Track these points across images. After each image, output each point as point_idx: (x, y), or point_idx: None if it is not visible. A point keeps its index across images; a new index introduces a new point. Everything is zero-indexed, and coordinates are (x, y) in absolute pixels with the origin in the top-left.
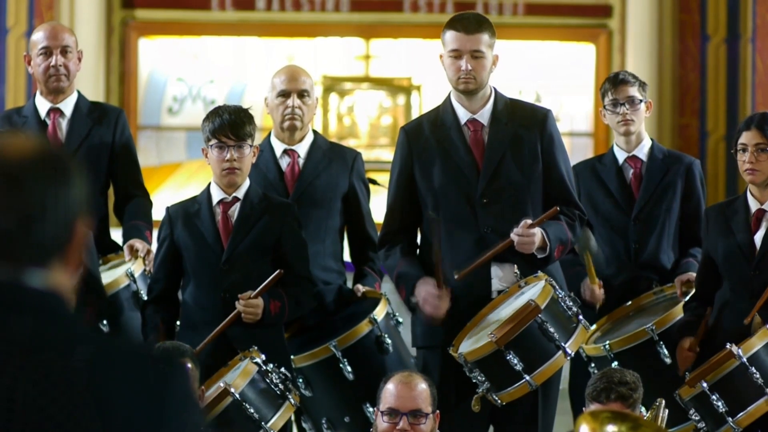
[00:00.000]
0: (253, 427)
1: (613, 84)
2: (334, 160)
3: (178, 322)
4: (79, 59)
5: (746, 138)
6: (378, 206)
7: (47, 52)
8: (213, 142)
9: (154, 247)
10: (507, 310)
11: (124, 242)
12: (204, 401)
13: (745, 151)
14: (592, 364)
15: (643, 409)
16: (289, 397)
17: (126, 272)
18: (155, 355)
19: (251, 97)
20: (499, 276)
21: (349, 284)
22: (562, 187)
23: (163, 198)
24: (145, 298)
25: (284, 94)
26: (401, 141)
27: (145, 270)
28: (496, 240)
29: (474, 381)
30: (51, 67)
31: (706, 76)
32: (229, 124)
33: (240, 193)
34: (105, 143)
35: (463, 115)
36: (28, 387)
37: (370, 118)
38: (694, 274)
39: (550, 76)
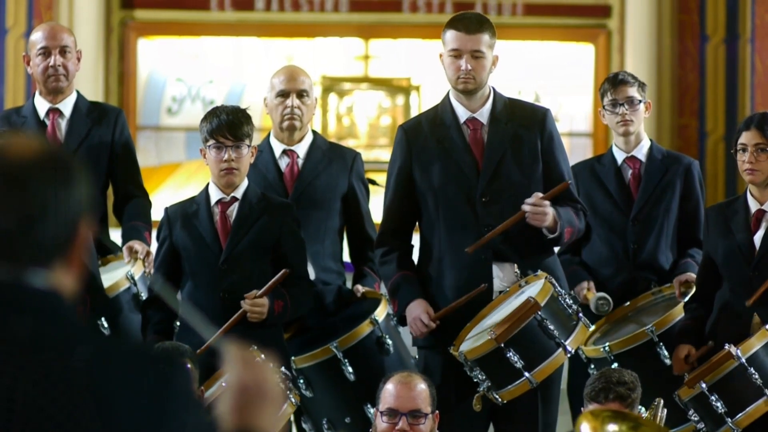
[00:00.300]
0: None
1: (612, 84)
2: (334, 160)
3: (177, 323)
4: (78, 59)
5: (746, 138)
6: (377, 206)
7: (46, 52)
8: (211, 142)
9: (153, 247)
10: (507, 309)
11: (123, 243)
12: (204, 402)
13: (745, 151)
14: (592, 366)
15: (642, 408)
16: (290, 397)
17: (126, 275)
18: (155, 355)
19: (250, 98)
20: (500, 276)
21: (349, 284)
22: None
23: (162, 198)
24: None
25: (283, 94)
26: (400, 139)
27: (144, 272)
28: (495, 239)
29: (475, 380)
30: (50, 67)
31: (705, 76)
32: (226, 125)
33: (238, 193)
34: (104, 143)
35: (462, 113)
36: (28, 387)
37: (370, 119)
38: (693, 275)
39: (549, 76)
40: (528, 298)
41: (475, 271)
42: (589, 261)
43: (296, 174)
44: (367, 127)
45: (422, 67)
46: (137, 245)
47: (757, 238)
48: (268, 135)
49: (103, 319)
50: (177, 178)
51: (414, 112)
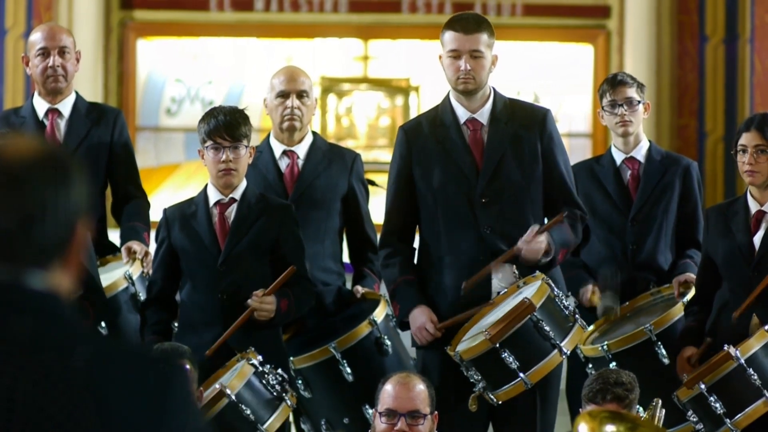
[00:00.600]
0: (249, 428)
1: (611, 85)
2: (334, 161)
3: (175, 323)
4: (77, 60)
5: (746, 139)
6: (377, 207)
7: (45, 53)
8: (209, 143)
9: (152, 248)
10: (504, 309)
11: (121, 244)
12: (201, 402)
13: (745, 152)
14: (590, 365)
15: (640, 409)
16: (286, 398)
17: (124, 274)
18: (154, 355)
19: (250, 98)
20: (499, 277)
21: (348, 285)
22: (563, 186)
23: (161, 199)
24: (144, 299)
25: (283, 95)
26: (400, 140)
27: (143, 272)
28: (495, 239)
29: (471, 380)
30: (49, 68)
31: (705, 76)
32: (224, 125)
33: (237, 194)
34: (103, 144)
35: (462, 114)
36: (28, 387)
37: (369, 119)
38: (692, 275)
39: (549, 76)
40: (523, 299)
41: (474, 272)
42: (588, 261)
43: (296, 175)
44: (367, 128)
45: (421, 68)
46: (136, 245)
47: (757, 238)
48: (268, 136)
49: (102, 320)
50: (176, 178)
51: (413, 113)
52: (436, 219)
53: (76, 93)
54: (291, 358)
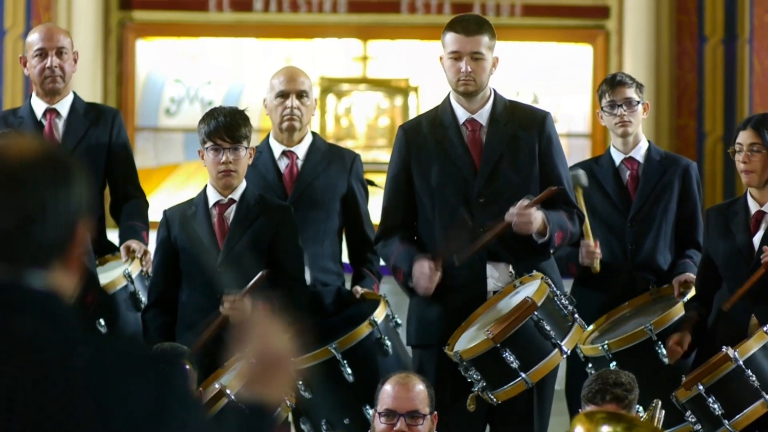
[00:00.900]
0: None
1: (610, 86)
2: (333, 161)
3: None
4: (75, 60)
5: (742, 138)
6: (376, 207)
7: (43, 53)
8: (209, 144)
9: (151, 247)
10: (503, 308)
11: (120, 243)
12: (202, 402)
13: (741, 151)
14: (590, 365)
15: (640, 409)
16: (285, 399)
17: (123, 273)
18: (154, 355)
19: (249, 99)
20: (495, 276)
21: (348, 286)
22: (561, 189)
23: (160, 199)
24: (143, 298)
25: (283, 95)
26: (399, 139)
27: (142, 271)
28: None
29: (469, 380)
30: (46, 68)
31: (704, 77)
32: (224, 127)
33: (236, 195)
34: (102, 144)
35: (461, 115)
36: (28, 387)
37: (368, 120)
38: (692, 275)
39: (548, 77)
40: (525, 298)
41: (470, 270)
42: None
43: (296, 175)
44: (366, 128)
45: (421, 68)
46: (135, 244)
47: (757, 239)
48: (268, 136)
49: (101, 318)
50: (175, 179)
51: (412, 113)
52: (433, 219)
53: (74, 93)
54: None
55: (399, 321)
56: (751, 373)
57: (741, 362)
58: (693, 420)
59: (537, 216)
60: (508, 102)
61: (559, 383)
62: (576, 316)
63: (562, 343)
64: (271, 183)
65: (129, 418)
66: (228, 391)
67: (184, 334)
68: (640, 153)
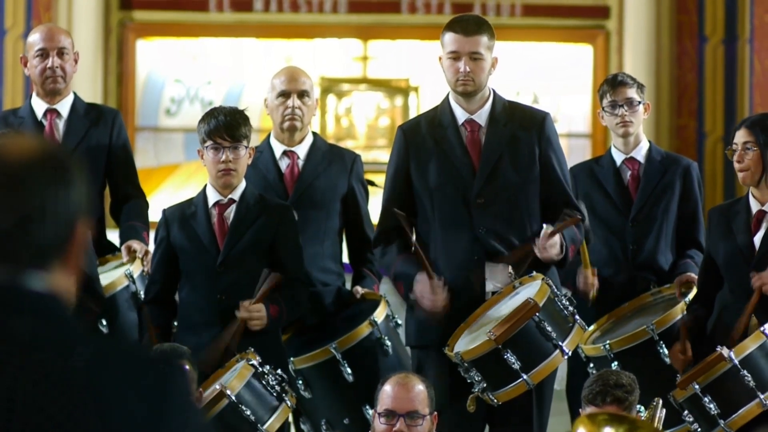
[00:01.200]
0: (249, 429)
1: (611, 86)
2: (334, 161)
3: (175, 323)
4: (76, 61)
5: (738, 137)
6: (376, 208)
7: (43, 53)
8: (208, 143)
9: (152, 247)
10: (502, 309)
11: (121, 243)
12: (201, 403)
13: (737, 150)
14: (591, 365)
15: (642, 408)
16: (286, 399)
17: (125, 273)
18: (154, 355)
19: (249, 99)
20: (494, 276)
21: (348, 286)
22: (561, 189)
23: (160, 199)
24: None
25: (284, 95)
26: (398, 139)
27: (143, 270)
28: (490, 240)
29: (469, 381)
30: (47, 68)
31: (704, 77)
32: (224, 126)
33: (236, 195)
34: (102, 144)
35: (461, 115)
36: (28, 387)
37: (368, 120)
38: (693, 275)
39: (548, 77)
40: (527, 299)
41: (469, 271)
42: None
43: (296, 175)
44: (366, 128)
45: (421, 68)
46: (135, 244)
47: (758, 238)
48: (268, 136)
49: (102, 319)
50: (175, 179)
51: (412, 113)
52: (431, 218)
53: (75, 94)
54: (291, 359)
55: (399, 321)
56: (746, 373)
57: (737, 362)
58: (690, 420)
59: (557, 241)
60: (507, 102)
61: (560, 383)
62: (577, 317)
63: (563, 344)
64: (271, 183)
65: (129, 418)
66: (228, 392)
67: (183, 333)
68: (641, 153)
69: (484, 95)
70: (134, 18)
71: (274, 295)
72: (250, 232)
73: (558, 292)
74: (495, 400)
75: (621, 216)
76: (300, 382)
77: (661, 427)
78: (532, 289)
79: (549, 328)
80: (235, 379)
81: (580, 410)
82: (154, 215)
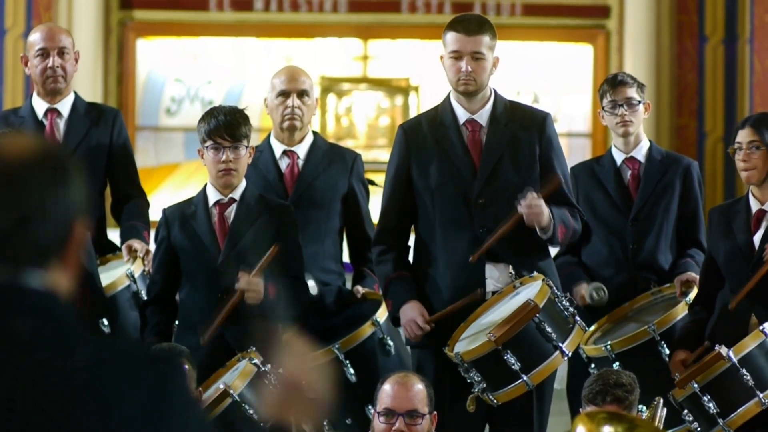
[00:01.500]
0: (252, 428)
1: (611, 85)
2: (334, 161)
3: (176, 322)
4: (76, 60)
5: (741, 136)
6: (376, 207)
7: (44, 53)
8: (208, 143)
9: (152, 247)
10: (503, 310)
11: (122, 243)
12: (202, 403)
13: (741, 149)
14: (592, 365)
15: (642, 408)
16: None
17: (126, 272)
18: (153, 355)
19: (249, 98)
20: (494, 276)
21: (348, 285)
22: (561, 190)
23: (161, 199)
24: (145, 298)
25: (284, 95)
26: (399, 139)
27: (144, 270)
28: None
29: (469, 381)
30: (48, 68)
31: (704, 76)
32: (224, 125)
33: (236, 194)
34: (102, 144)
35: (462, 115)
36: (28, 387)
37: (368, 119)
38: (693, 274)
39: (548, 76)
40: (528, 301)
41: (470, 271)
42: (588, 262)
43: (296, 175)
44: (366, 128)
45: (421, 68)
46: (136, 244)
47: (757, 238)
48: (269, 135)
49: (103, 318)
50: (176, 178)
51: (413, 113)
52: (432, 218)
53: (75, 93)
54: None
55: None
56: (745, 372)
57: (735, 361)
58: (690, 419)
59: (545, 209)
60: (508, 102)
61: (560, 383)
62: (577, 318)
63: (563, 345)
64: (271, 182)
65: (128, 418)
66: (232, 391)
67: (184, 333)
68: (641, 153)
69: (485, 95)
70: (134, 17)
71: (274, 279)
72: (250, 231)
73: (558, 293)
74: (495, 401)
75: (621, 216)
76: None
77: (662, 427)
78: (532, 289)
79: (549, 329)
80: (237, 378)
81: (581, 410)
82: (155, 215)
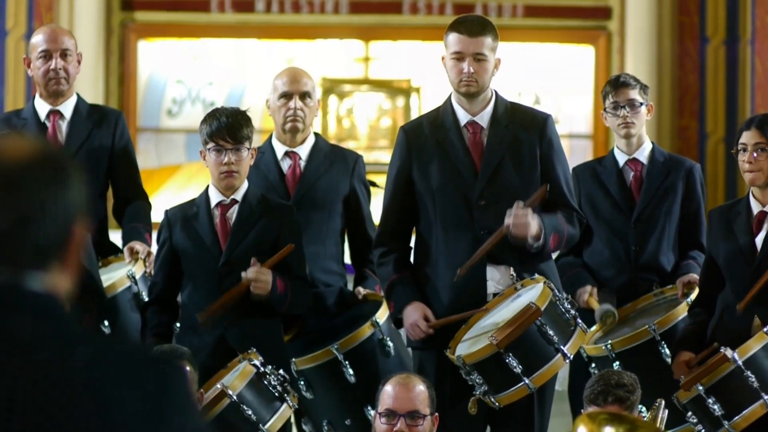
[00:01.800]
0: (251, 429)
1: (614, 87)
2: (336, 162)
3: (177, 324)
4: (79, 62)
5: (746, 138)
6: (378, 208)
7: (47, 55)
8: (210, 145)
9: (154, 248)
10: (504, 312)
11: (123, 244)
12: (202, 403)
13: (745, 151)
14: (593, 365)
15: (643, 409)
16: (287, 399)
17: (127, 274)
18: (154, 356)
19: (251, 99)
20: (495, 278)
21: (350, 286)
22: (560, 191)
23: (162, 200)
24: (147, 299)
25: (286, 96)
26: (400, 140)
27: (145, 272)
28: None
29: (471, 383)
30: (51, 70)
31: (706, 77)
32: (226, 127)
33: (238, 196)
34: (104, 146)
35: (463, 116)
36: (28, 387)
37: (370, 120)
38: (695, 276)
39: (550, 77)
40: (530, 304)
41: (471, 273)
42: (590, 263)
43: (298, 176)
44: (367, 129)
45: (422, 69)
46: (138, 245)
47: (759, 239)
48: (270, 136)
49: (104, 319)
50: (177, 179)
51: (414, 114)
52: (433, 220)
53: (78, 95)
54: (293, 359)
55: None
56: (750, 374)
57: (740, 363)
58: (694, 421)
59: (533, 221)
60: (509, 104)
61: (562, 384)
62: (578, 320)
63: (565, 348)
64: (273, 183)
65: (128, 418)
66: (230, 392)
67: (185, 334)
68: (643, 154)
69: (487, 96)
70: (136, 19)
71: (285, 276)
72: (252, 232)
73: (560, 295)
74: (496, 404)
75: (623, 217)
76: (302, 382)
77: (663, 428)
78: (533, 292)
79: (551, 332)
80: (236, 379)
81: (582, 410)
82: (156, 216)
